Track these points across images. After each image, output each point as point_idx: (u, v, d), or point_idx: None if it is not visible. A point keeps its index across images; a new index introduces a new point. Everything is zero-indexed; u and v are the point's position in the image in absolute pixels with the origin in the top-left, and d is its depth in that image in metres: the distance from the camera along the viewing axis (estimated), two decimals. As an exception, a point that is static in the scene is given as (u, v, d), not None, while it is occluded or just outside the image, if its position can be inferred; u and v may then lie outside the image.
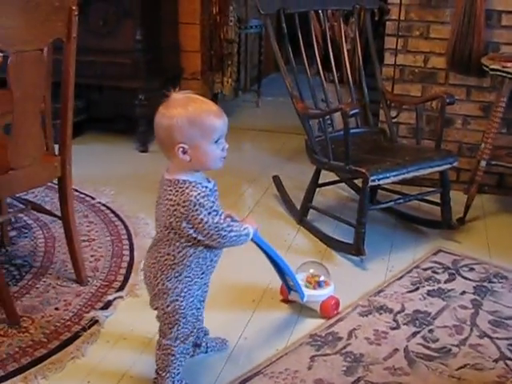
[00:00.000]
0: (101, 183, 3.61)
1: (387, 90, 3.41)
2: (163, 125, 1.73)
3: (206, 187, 1.78)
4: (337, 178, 3.43)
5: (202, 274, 1.86)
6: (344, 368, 2.14)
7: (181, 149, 1.73)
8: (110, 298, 2.49)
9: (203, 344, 2.16)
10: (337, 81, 3.25)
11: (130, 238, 2.96)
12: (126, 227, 3.08)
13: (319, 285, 2.46)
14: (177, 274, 1.82)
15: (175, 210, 1.74)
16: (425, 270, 2.82)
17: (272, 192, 3.61)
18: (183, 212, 1.73)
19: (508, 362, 2.20)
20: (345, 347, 2.26)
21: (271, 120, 5.11)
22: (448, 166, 2.97)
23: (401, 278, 2.75)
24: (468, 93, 3.56)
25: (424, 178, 3.50)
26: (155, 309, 1.90)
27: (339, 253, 2.93)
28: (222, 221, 1.77)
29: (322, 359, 2.18)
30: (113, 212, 3.25)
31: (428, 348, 2.27)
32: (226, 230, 1.77)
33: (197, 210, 1.73)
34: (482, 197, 3.58)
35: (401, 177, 2.83)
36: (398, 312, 2.49)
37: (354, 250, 2.84)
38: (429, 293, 2.64)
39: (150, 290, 1.89)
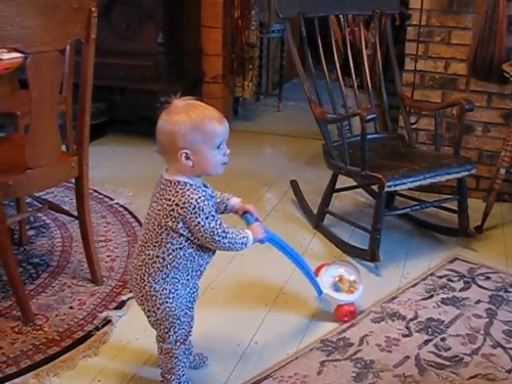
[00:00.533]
0: (120, 184, 3.64)
1: (407, 96, 3.40)
2: (166, 131, 1.75)
3: (206, 192, 1.79)
4: (354, 184, 3.42)
5: (188, 276, 1.86)
6: (354, 374, 2.14)
7: (184, 154, 1.74)
8: (124, 298, 2.51)
9: None
10: (356, 86, 3.25)
11: (146, 239, 2.98)
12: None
13: (350, 287, 2.47)
14: (164, 276, 1.82)
15: (172, 210, 1.75)
16: (440, 277, 2.80)
17: (289, 196, 3.61)
18: (181, 213, 1.74)
19: (521, 372, 2.18)
20: (355, 353, 2.25)
21: (292, 125, 5.11)
22: (466, 173, 2.95)
23: (415, 285, 2.73)
24: (489, 100, 3.53)
25: (442, 185, 3.49)
26: (144, 311, 1.89)
27: (354, 258, 2.92)
28: (218, 226, 1.78)
29: (332, 364, 2.18)
30: (130, 213, 3.27)
31: (439, 356, 2.26)
32: (220, 236, 1.79)
33: (195, 212, 1.74)
34: (502, 205, 3.54)
35: (417, 183, 2.82)
36: (411, 319, 2.47)
37: (369, 256, 2.83)
38: (443, 301, 2.62)
39: (136, 291, 1.88)
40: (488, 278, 2.81)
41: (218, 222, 1.79)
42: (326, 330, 2.37)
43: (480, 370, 2.19)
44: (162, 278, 1.82)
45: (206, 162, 1.78)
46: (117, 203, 3.40)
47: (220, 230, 1.79)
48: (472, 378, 2.15)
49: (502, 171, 3.19)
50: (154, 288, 1.82)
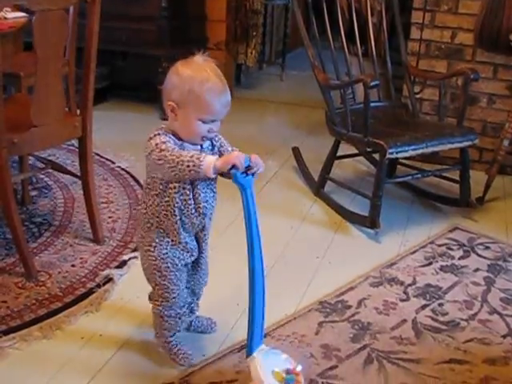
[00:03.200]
0: (121, 149, 3.65)
1: (411, 65, 3.40)
2: (170, 78, 1.75)
3: (173, 138, 1.74)
4: (356, 152, 3.42)
5: (174, 230, 1.82)
6: (351, 335, 2.17)
7: (170, 106, 1.73)
8: (125, 257, 2.53)
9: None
10: (360, 54, 3.24)
11: (147, 202, 2.99)
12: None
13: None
14: (149, 225, 1.84)
15: (146, 155, 1.75)
16: (439, 245, 2.82)
17: (291, 164, 3.62)
18: (148, 152, 1.73)
19: (516, 338, 2.21)
20: (353, 315, 2.28)
21: (294, 94, 5.10)
22: (468, 143, 2.95)
23: (414, 252, 2.75)
24: (495, 71, 3.53)
25: (445, 156, 3.50)
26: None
27: (354, 225, 2.94)
28: (163, 146, 1.70)
29: (329, 325, 2.21)
30: (132, 176, 3.29)
31: (436, 321, 2.28)
32: (163, 152, 1.69)
33: (152, 149, 1.71)
34: (504, 178, 3.55)
35: (419, 151, 2.83)
36: (409, 285, 2.50)
37: (369, 222, 2.84)
38: (442, 268, 2.64)
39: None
40: (487, 248, 2.82)
41: (168, 145, 1.71)
42: (324, 293, 2.40)
43: (476, 334, 2.22)
44: (147, 227, 1.85)
45: (185, 126, 1.75)
46: (118, 166, 3.41)
47: (164, 149, 1.69)
48: (467, 341, 2.18)
49: (506, 142, 3.20)
50: (142, 235, 1.87)
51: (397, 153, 2.76)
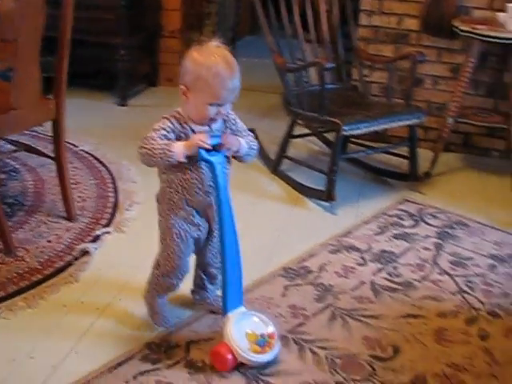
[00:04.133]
0: (83, 134, 3.72)
1: (361, 49, 3.59)
2: (184, 62, 1.86)
3: (177, 122, 1.89)
4: (309, 132, 3.60)
5: (182, 203, 1.97)
6: (315, 296, 2.35)
7: (182, 89, 1.87)
8: (99, 232, 2.65)
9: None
10: (314, 40, 3.42)
11: (114, 182, 3.12)
12: (109, 172, 3.23)
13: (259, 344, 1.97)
14: (161, 196, 2.01)
15: None
16: (391, 216, 3.03)
17: (248, 145, 3.77)
18: None
19: (464, 295, 2.43)
20: (316, 279, 2.46)
21: (246, 79, 5.14)
22: (416, 120, 3.17)
23: (368, 222, 2.95)
24: (439, 54, 3.74)
25: (392, 135, 3.71)
26: None
27: (311, 199, 3.12)
28: (153, 135, 1.87)
29: (294, 288, 2.39)
30: (96, 159, 3.39)
31: (392, 282, 2.49)
32: (146, 139, 1.87)
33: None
34: (449, 155, 3.78)
35: (372, 128, 3.03)
36: (365, 251, 2.69)
37: (325, 195, 3.03)
38: (394, 236, 2.85)
39: None
40: (435, 217, 3.05)
41: (157, 135, 1.86)
42: (287, 260, 2.57)
43: (428, 292, 2.43)
44: (161, 198, 2.01)
45: (195, 109, 1.88)
46: (82, 150, 3.50)
47: (149, 137, 1.87)
48: (421, 299, 2.39)
49: (450, 120, 3.43)
50: (158, 205, 2.04)
51: (351, 130, 2.95)
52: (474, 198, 3.30)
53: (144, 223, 2.74)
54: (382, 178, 3.46)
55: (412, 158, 3.30)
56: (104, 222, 2.74)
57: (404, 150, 3.36)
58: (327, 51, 3.42)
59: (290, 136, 3.36)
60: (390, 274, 2.54)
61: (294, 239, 2.76)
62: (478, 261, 2.67)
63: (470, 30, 3.27)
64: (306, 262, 2.58)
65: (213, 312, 2.20)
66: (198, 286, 2.23)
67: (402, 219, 3.01)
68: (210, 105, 1.85)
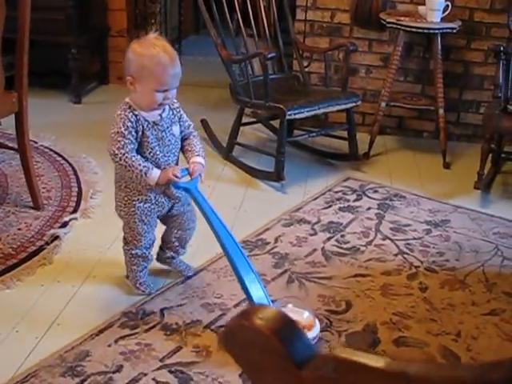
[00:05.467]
0: (41, 131, 3.85)
1: (300, 41, 3.86)
2: (127, 56, 2.05)
3: (133, 115, 2.06)
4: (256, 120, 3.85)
5: (140, 188, 2.16)
6: (273, 263, 2.59)
7: (129, 80, 2.05)
8: (66, 219, 2.82)
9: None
10: (255, 34, 3.66)
11: (75, 173, 3.28)
12: (70, 165, 3.39)
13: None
14: (119, 184, 2.20)
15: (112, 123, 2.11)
16: (336, 192, 3.31)
17: (200, 135, 3.96)
18: (112, 125, 2.10)
19: (405, 255, 2.71)
20: (272, 249, 2.70)
21: (193, 76, 5.41)
22: (353, 104, 3.45)
23: (316, 198, 3.22)
24: (370, 45, 4.04)
25: (333, 122, 3.99)
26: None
27: (262, 181, 3.37)
28: (121, 144, 2.03)
29: (254, 258, 2.62)
30: (56, 153, 3.54)
31: (341, 248, 2.75)
32: (118, 153, 2.04)
33: (113, 124, 2.08)
34: (385, 137, 4.09)
35: (313, 112, 3.29)
36: (315, 223, 2.95)
37: (275, 176, 3.28)
38: (340, 209, 3.12)
39: None
40: (376, 191, 3.33)
41: (125, 142, 2.04)
42: (245, 233, 2.80)
43: (373, 255, 2.71)
44: (118, 185, 2.21)
45: (143, 97, 2.05)
46: (41, 145, 3.64)
47: (120, 147, 2.04)
48: (367, 261, 2.66)
49: (383, 104, 3.73)
50: (115, 192, 2.24)
51: (294, 114, 3.21)
52: (410, 174, 3.61)
53: (108, 209, 2.88)
54: (326, 159, 3.73)
55: (351, 139, 3.58)
56: (70, 209, 2.91)
57: (344, 134, 3.64)
58: (268, 44, 3.67)
59: (239, 124, 3.59)
60: (338, 242, 2.80)
61: (249, 216, 2.99)
62: (415, 226, 2.97)
63: (395, 21, 3.58)
64: (263, 235, 2.82)
65: (180, 273, 2.45)
66: (172, 251, 2.41)
67: (346, 194, 3.28)
68: (157, 91, 2.01)
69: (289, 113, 3.17)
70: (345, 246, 2.77)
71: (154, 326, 2.17)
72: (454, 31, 3.58)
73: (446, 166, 3.69)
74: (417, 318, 2.29)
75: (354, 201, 3.22)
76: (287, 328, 0.71)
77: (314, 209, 3.10)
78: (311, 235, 2.84)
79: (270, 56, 3.16)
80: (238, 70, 3.64)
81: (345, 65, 3.59)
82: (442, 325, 2.26)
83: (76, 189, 3.12)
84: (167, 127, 2.14)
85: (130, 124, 2.05)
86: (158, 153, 2.12)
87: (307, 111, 3.25)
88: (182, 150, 2.24)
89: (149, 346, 2.07)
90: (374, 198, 3.25)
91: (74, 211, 2.90)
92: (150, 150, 2.11)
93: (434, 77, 3.67)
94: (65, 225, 2.78)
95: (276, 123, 3.65)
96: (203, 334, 2.14)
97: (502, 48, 3.16)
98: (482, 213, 3.13)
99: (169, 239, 2.39)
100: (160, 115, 2.12)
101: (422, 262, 2.66)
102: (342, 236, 2.85)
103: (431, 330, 2.23)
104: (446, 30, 3.55)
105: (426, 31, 3.55)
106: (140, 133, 2.08)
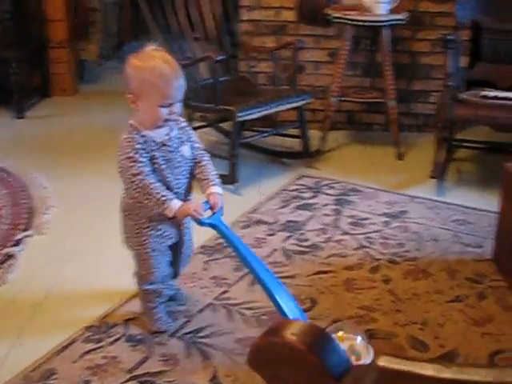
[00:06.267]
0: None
1: (246, 42, 3.84)
2: (126, 72, 1.89)
3: (141, 136, 1.89)
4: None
5: (151, 217, 1.99)
6: (234, 267, 2.56)
7: (130, 98, 1.88)
8: (19, 236, 2.74)
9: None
10: (202, 38, 3.62)
11: (25, 190, 3.19)
12: (18, 181, 3.29)
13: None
14: (126, 213, 2.04)
15: (118, 149, 1.93)
16: (291, 191, 3.29)
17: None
18: (118, 151, 1.93)
19: (366, 249, 2.71)
20: (232, 252, 2.65)
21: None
22: (304, 101, 3.45)
23: (272, 198, 3.20)
24: (316, 41, 4.05)
25: (284, 120, 3.98)
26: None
27: (217, 184, 3.33)
28: (136, 170, 1.87)
29: (214, 262, 2.59)
30: (3, 170, 3.44)
31: (301, 246, 2.74)
32: (135, 180, 1.87)
33: (119, 151, 1.91)
34: (336, 133, 4.09)
35: (264, 112, 3.28)
36: (273, 223, 2.93)
37: (229, 179, 3.25)
38: (297, 207, 3.10)
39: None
40: (332, 187, 3.34)
41: (139, 166, 1.87)
42: (203, 238, 2.74)
43: (334, 251, 2.70)
44: (126, 215, 2.05)
45: (147, 114, 1.89)
46: (-13, 165, 3.54)
47: (136, 173, 1.87)
48: (329, 257, 2.65)
49: (333, 100, 3.73)
50: (123, 222, 2.07)
51: (245, 115, 3.18)
52: (363, 167, 3.62)
53: (62, 224, 2.87)
54: (279, 158, 3.72)
55: (303, 137, 3.58)
56: (23, 226, 2.82)
57: (295, 132, 3.64)
58: (215, 47, 3.64)
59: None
60: (298, 240, 2.78)
61: (206, 221, 2.95)
62: (373, 220, 2.97)
63: (342, 16, 3.59)
64: (221, 238, 2.77)
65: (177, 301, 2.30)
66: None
67: (301, 192, 3.27)
68: (161, 106, 1.86)
69: (239, 114, 3.15)
70: (305, 244, 2.75)
71: (118, 338, 2.12)
72: (403, 23, 3.61)
73: (399, 157, 3.72)
74: (383, 311, 2.29)
75: (310, 198, 3.21)
76: (322, 341, 0.68)
77: (270, 209, 3.08)
78: (270, 235, 2.82)
79: (218, 59, 3.14)
80: (186, 73, 3.58)
81: (293, 63, 3.58)
82: (408, 315, 2.26)
83: (27, 205, 3.04)
84: (176, 147, 1.97)
85: (139, 146, 1.89)
86: (168, 175, 1.95)
87: (258, 111, 3.23)
88: (196, 176, 2.07)
89: (115, 358, 2.02)
90: (330, 194, 3.25)
91: (28, 228, 2.82)
92: (159, 172, 1.94)
93: (382, 69, 3.69)
94: (18, 242, 2.70)
95: (225, 125, 3.63)
96: (169, 343, 2.10)
97: (451, 37, 3.19)
98: (438, 201, 3.16)
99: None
100: (168, 135, 1.96)
101: (383, 255, 2.66)
102: (301, 234, 2.84)
103: (398, 320, 2.23)
104: (394, 22, 3.58)
105: (374, 24, 3.57)
106: (149, 154, 1.93)
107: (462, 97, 3.12)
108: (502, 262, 2.54)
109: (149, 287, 2.14)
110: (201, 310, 2.27)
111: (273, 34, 4.06)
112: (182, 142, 2.00)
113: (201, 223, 1.98)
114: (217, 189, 2.06)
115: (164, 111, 1.88)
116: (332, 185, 3.37)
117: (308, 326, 0.61)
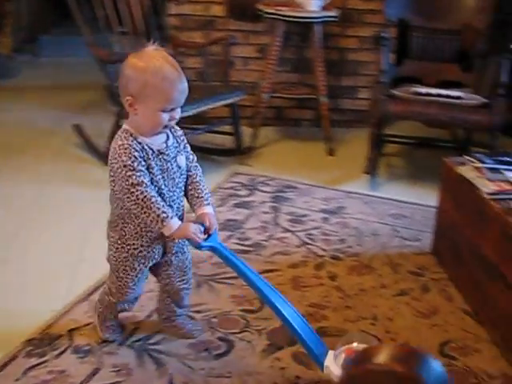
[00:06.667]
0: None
1: (176, 37, 3.76)
2: (124, 72, 1.71)
3: (137, 143, 1.73)
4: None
5: (137, 234, 1.84)
6: (178, 268, 2.49)
7: (128, 101, 1.71)
8: None
9: None
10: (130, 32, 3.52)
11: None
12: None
13: None
14: (114, 224, 1.87)
15: (110, 156, 1.77)
16: (227, 189, 3.25)
17: (74, 141, 3.77)
18: (110, 158, 1.76)
19: (308, 246, 2.71)
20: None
21: (52, 78, 5.16)
22: (237, 98, 3.41)
23: (209, 197, 3.14)
24: (245, 37, 4.01)
25: (214, 117, 3.92)
26: None
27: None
28: (135, 180, 1.71)
29: (158, 264, 2.51)
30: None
31: (243, 245, 2.70)
32: (134, 191, 1.71)
33: (113, 158, 1.73)
34: (266, 129, 4.07)
35: (198, 109, 3.21)
36: (213, 222, 2.88)
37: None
38: (234, 205, 3.07)
39: None
40: (267, 184, 3.32)
41: (137, 175, 1.71)
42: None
43: (277, 249, 2.68)
44: (113, 226, 1.88)
45: (146, 119, 1.73)
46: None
47: (135, 183, 1.71)
48: (272, 255, 2.63)
49: (265, 96, 3.71)
50: (108, 233, 1.91)
51: (180, 112, 3.10)
52: (296, 164, 3.63)
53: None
54: (210, 156, 3.67)
55: (236, 133, 3.54)
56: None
57: (226, 128, 3.59)
58: (143, 42, 3.53)
59: (118, 126, 3.42)
60: (239, 239, 2.74)
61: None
62: (312, 216, 2.98)
63: (275, 11, 3.57)
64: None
65: (184, 337, 2.10)
66: (167, 310, 2.11)
67: (237, 190, 3.24)
68: (162, 111, 1.71)
69: (172, 112, 3.06)
70: (247, 243, 2.72)
71: (64, 351, 2.00)
72: (336, 19, 3.63)
73: (330, 152, 3.75)
74: (332, 307, 2.28)
75: (247, 196, 3.18)
76: (419, 361, 0.64)
77: (209, 207, 3.02)
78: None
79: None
80: (114, 70, 3.47)
81: (225, 58, 3.53)
82: (357, 310, 2.27)
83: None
84: (173, 157, 1.82)
85: (136, 154, 1.72)
86: (162, 187, 1.80)
87: (192, 109, 3.15)
88: (187, 192, 1.90)
89: (63, 372, 1.90)
90: (266, 192, 3.23)
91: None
92: (154, 183, 1.77)
93: (313, 65, 3.70)
94: None
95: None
96: (119, 352, 2.01)
97: (384, 34, 3.23)
98: (373, 196, 3.20)
99: (161, 297, 2.11)
100: (165, 143, 1.81)
101: (326, 251, 2.67)
102: (242, 233, 2.80)
103: (348, 317, 2.23)
104: (327, 19, 3.59)
105: (307, 20, 3.57)
106: (146, 163, 1.76)
107: (394, 93, 3.17)
108: (442, 255, 2.59)
109: (114, 304, 2.01)
110: (148, 316, 2.19)
111: (201, 29, 3.99)
112: (179, 151, 1.85)
113: (199, 246, 1.82)
114: (210, 209, 1.90)
115: (165, 117, 1.72)
116: (267, 182, 3.35)
117: (400, 347, 0.58)
